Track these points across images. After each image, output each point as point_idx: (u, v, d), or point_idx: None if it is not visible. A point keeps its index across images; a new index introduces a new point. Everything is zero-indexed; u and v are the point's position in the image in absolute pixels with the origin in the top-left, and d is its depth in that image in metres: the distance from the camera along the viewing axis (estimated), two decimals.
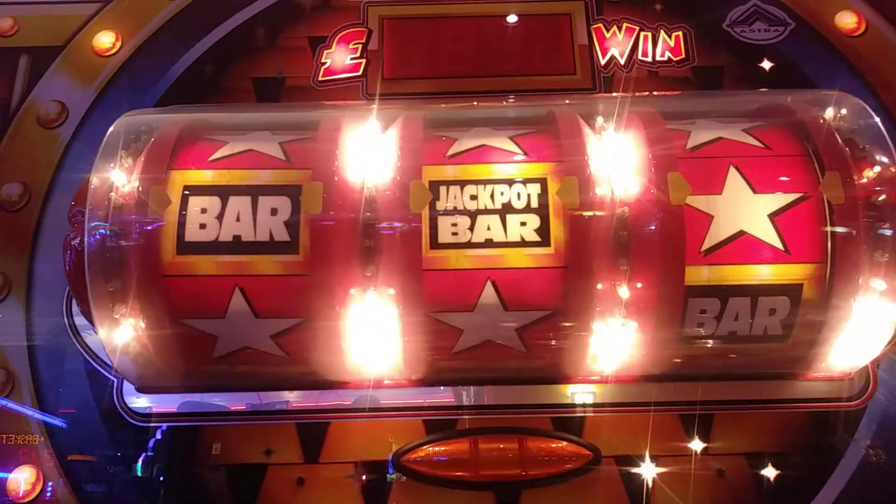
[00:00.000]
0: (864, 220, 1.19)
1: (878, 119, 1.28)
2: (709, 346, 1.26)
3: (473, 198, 1.22)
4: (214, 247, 1.20)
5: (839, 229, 1.19)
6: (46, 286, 1.45)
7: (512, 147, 1.29)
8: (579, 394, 1.37)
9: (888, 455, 1.32)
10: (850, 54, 1.57)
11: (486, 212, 1.22)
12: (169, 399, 1.38)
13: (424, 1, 1.67)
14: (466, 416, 1.36)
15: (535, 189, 1.23)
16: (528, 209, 1.22)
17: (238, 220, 1.21)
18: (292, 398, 1.39)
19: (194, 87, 1.59)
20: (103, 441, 1.36)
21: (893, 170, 1.22)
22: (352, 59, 1.61)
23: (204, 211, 1.21)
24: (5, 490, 1.33)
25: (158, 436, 1.35)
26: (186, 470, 1.34)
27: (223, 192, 1.22)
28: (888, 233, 1.19)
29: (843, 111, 1.32)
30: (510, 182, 1.23)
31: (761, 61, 1.59)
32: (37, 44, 1.64)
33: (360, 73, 1.60)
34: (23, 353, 1.41)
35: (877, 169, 1.23)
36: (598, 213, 1.20)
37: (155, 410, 1.37)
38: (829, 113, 1.32)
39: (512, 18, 1.64)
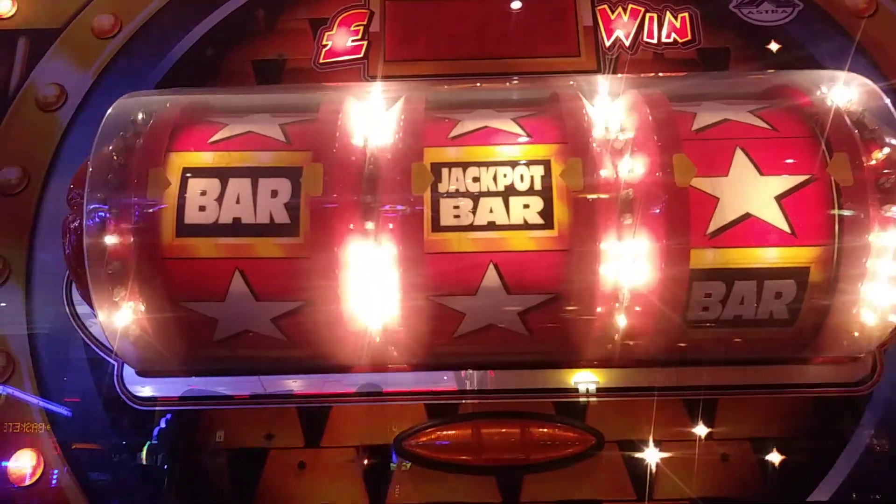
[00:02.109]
0: (872, 202, 1.17)
1: (887, 100, 1.27)
2: (713, 330, 1.25)
3: (476, 180, 1.21)
4: (214, 229, 1.19)
5: (847, 212, 1.17)
6: (46, 270, 1.44)
7: (515, 129, 1.27)
8: (582, 380, 1.36)
9: (893, 442, 1.31)
10: (860, 35, 1.55)
11: (489, 194, 1.20)
12: (171, 386, 1.38)
13: None
14: (469, 401, 1.35)
15: (538, 171, 1.21)
16: (531, 191, 1.20)
17: (238, 202, 1.20)
18: (296, 387, 1.38)
19: (194, 70, 1.57)
20: (107, 429, 1.35)
21: None
22: (353, 41, 1.59)
23: (203, 193, 1.20)
24: (8, 478, 1.32)
25: (163, 424, 1.35)
26: (189, 457, 1.33)
27: (223, 174, 1.21)
28: None
29: (852, 92, 1.30)
30: (513, 164, 1.22)
31: (769, 43, 1.56)
32: (35, 26, 1.62)
33: (361, 55, 1.58)
34: (23, 338, 1.41)
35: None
36: (602, 196, 1.19)
37: (158, 397, 1.37)
38: (838, 94, 1.30)
39: (516, 4, 1.61)
